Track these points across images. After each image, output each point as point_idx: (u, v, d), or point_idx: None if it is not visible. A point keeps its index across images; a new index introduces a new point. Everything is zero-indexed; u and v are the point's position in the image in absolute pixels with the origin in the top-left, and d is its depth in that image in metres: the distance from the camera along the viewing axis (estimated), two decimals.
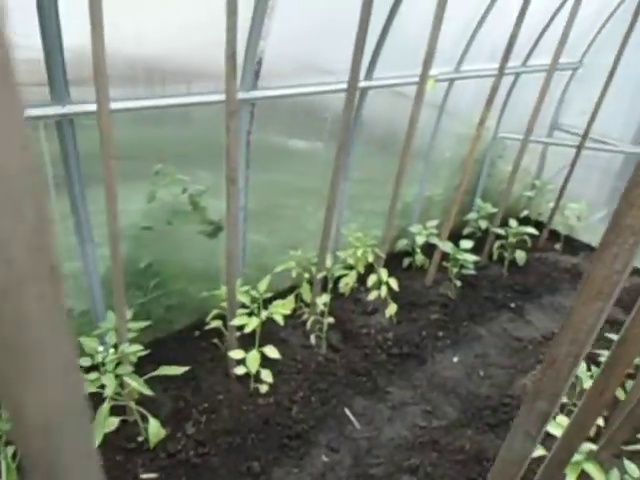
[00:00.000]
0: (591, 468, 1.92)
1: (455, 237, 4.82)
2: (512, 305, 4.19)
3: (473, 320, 3.93)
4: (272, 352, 2.77)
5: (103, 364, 2.32)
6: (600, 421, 2.55)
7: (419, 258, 4.37)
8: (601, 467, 1.92)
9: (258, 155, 3.16)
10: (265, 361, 2.86)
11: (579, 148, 4.69)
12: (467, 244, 4.05)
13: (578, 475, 1.96)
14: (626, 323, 1.52)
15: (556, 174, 5.27)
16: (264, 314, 2.68)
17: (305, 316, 3.55)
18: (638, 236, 0.65)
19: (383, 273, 3.63)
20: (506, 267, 4.62)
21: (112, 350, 2.36)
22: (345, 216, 4.05)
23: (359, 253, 3.61)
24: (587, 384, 2.57)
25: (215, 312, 3.09)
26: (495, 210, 4.57)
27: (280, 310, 2.67)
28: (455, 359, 3.52)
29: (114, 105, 2.06)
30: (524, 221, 5.56)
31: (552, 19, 4.22)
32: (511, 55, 3.41)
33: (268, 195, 3.53)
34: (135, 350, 2.36)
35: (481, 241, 4.65)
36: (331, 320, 3.39)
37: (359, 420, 2.93)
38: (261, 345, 2.81)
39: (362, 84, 3.32)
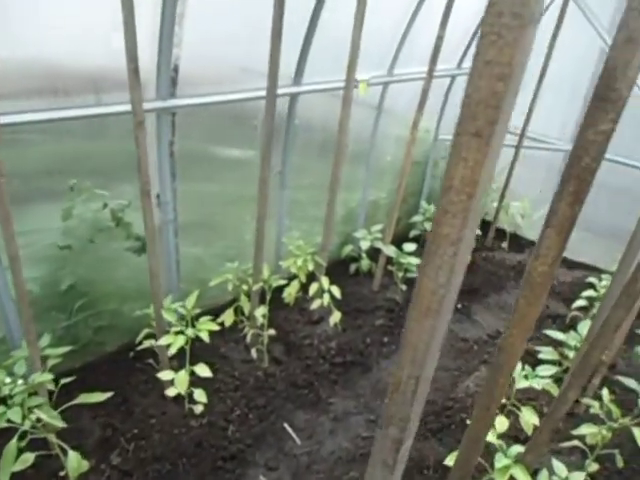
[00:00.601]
0: (517, 471, 1.89)
1: (402, 240, 4.82)
2: (459, 306, 4.19)
3: None
4: (203, 371, 2.65)
5: (10, 397, 2.15)
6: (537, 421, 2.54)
7: (365, 263, 4.33)
8: (527, 469, 1.89)
9: (186, 165, 3.05)
10: (200, 380, 2.74)
11: (517, 148, 4.77)
12: (410, 247, 4.03)
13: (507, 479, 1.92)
14: (504, 333, 1.48)
15: (500, 174, 5.35)
16: (190, 332, 2.56)
17: (246, 330, 3.44)
18: (457, 246, 0.59)
19: (324, 281, 3.56)
20: None
21: (21, 381, 2.19)
22: (287, 224, 3.97)
23: (299, 262, 3.53)
24: (521, 384, 2.56)
25: (146, 331, 2.95)
26: None
27: (205, 327, 2.56)
28: None
29: (6, 119, 1.92)
30: None
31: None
32: (441, 58, 3.42)
33: (202, 206, 3.41)
34: (46, 379, 2.20)
35: None
36: (272, 332, 3.29)
37: (300, 435, 2.83)
38: (197, 363, 2.69)
39: (290, 89, 3.26)
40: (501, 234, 5.40)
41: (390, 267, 4.15)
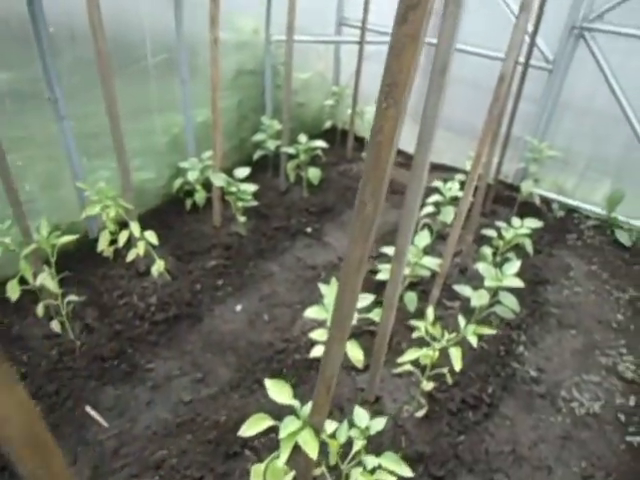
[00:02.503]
0: (305, 435, 1.59)
1: (248, 164, 4.29)
2: (308, 230, 3.84)
3: (262, 257, 3.51)
4: None
5: None
6: None
7: (200, 197, 3.77)
8: (315, 431, 1.60)
9: None
10: None
11: (360, 44, 4.26)
12: (243, 172, 3.52)
13: (294, 446, 1.62)
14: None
15: (352, 77, 4.85)
16: None
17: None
18: None
19: (134, 227, 2.98)
20: (305, 188, 4.23)
21: None
22: (86, 164, 3.25)
23: (97, 209, 2.90)
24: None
25: None
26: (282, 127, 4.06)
27: None
28: (238, 308, 3.10)
29: None
30: (329, 132, 5.19)
31: None
32: None
33: None
34: None
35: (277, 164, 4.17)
36: (73, 298, 2.72)
37: (107, 416, 2.40)
38: None
39: None
40: (362, 143, 5.04)
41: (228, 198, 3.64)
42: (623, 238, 3.99)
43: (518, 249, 3.32)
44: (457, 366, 2.02)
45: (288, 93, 3.87)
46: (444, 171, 4.81)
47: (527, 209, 4.25)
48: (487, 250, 3.41)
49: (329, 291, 2.32)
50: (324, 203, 4.11)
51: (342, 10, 4.76)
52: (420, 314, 2.98)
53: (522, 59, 3.61)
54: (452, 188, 3.51)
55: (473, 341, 2.05)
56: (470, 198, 2.80)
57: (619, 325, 3.21)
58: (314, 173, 4.09)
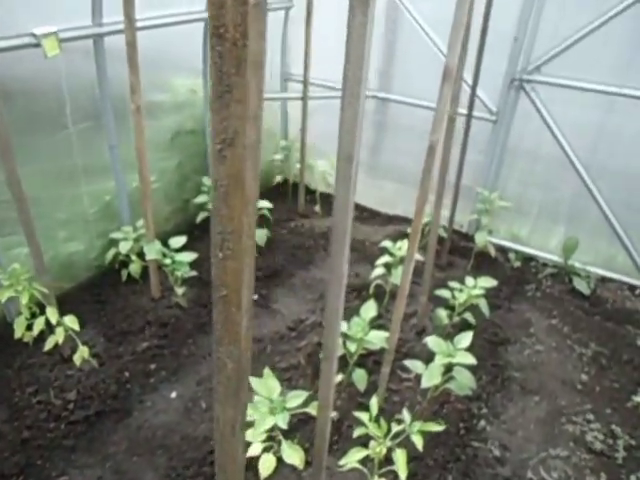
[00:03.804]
0: None
1: (190, 226, 4.08)
2: (255, 297, 3.59)
3: (203, 331, 3.23)
4: None
5: None
6: None
7: (136, 267, 3.49)
8: None
9: None
10: None
11: (304, 99, 4.17)
12: (179, 241, 3.27)
13: None
14: None
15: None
16: None
17: None
18: None
19: (51, 313, 2.68)
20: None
21: None
22: (16, 239, 2.95)
23: (6, 294, 2.60)
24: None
25: None
26: None
27: None
28: (173, 395, 2.80)
29: None
30: (280, 186, 5.04)
31: None
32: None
33: None
34: None
35: None
36: None
37: None
38: None
39: None
40: (313, 196, 4.90)
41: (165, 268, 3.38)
42: (581, 286, 3.88)
43: (475, 307, 3.16)
44: (402, 474, 1.77)
45: None
46: (398, 222, 4.69)
47: (484, 260, 4.12)
48: (442, 312, 3.23)
49: (260, 386, 2.07)
50: (272, 266, 3.88)
51: (286, 65, 4.70)
52: (374, 388, 2.74)
53: (465, 111, 3.56)
54: (402, 247, 3.35)
55: (418, 443, 1.81)
56: (417, 256, 2.60)
57: (584, 386, 3.03)
58: (259, 235, 3.87)
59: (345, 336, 2.61)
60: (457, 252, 4.26)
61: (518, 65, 3.70)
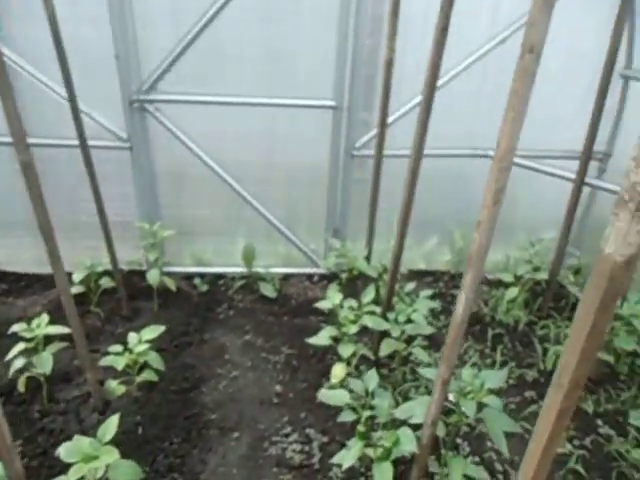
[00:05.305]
0: None
1: None
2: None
3: None
4: None
5: None
6: None
7: None
8: None
9: None
10: None
11: None
12: None
13: None
14: None
15: None
16: None
17: None
18: None
19: None
20: None
21: None
22: None
23: None
24: None
25: None
26: None
27: None
28: None
29: None
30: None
31: None
32: None
33: None
34: None
35: None
36: None
37: None
38: None
39: None
40: None
41: None
42: (267, 290, 3.91)
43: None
44: None
45: None
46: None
47: (169, 296, 3.78)
48: (112, 384, 2.73)
49: None
50: None
51: None
52: None
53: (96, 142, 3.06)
54: (41, 324, 2.69)
55: None
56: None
57: (280, 397, 2.98)
58: None
59: None
60: (141, 296, 3.80)
61: (131, 85, 3.39)
